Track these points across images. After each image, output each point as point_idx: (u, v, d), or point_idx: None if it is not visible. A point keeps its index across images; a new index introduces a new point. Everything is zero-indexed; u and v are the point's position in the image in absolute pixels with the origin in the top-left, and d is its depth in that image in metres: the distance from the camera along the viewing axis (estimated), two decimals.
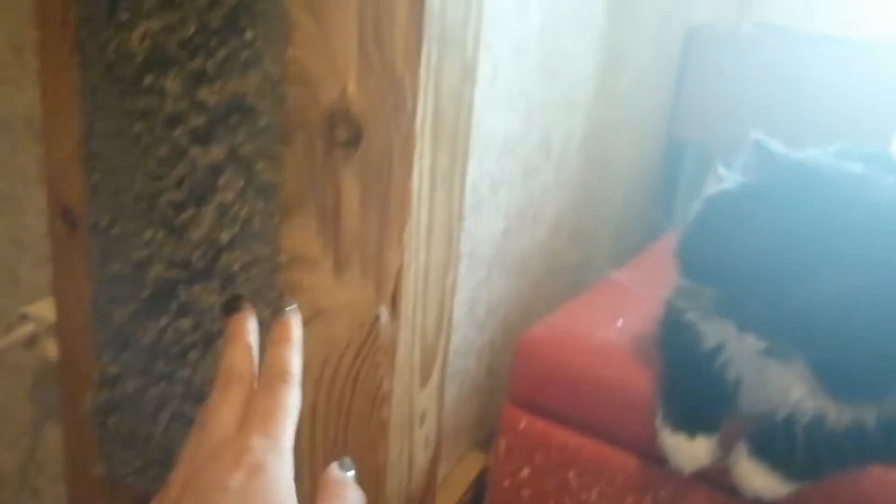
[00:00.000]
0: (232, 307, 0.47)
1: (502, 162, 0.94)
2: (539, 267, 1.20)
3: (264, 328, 0.48)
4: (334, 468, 0.42)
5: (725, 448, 0.78)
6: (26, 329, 0.95)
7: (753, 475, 0.75)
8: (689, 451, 0.78)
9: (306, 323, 0.64)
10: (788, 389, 0.71)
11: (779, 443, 0.74)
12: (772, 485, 0.74)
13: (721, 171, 0.75)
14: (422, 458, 0.77)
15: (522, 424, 0.94)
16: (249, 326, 0.47)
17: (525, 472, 0.95)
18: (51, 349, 0.90)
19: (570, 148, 1.19)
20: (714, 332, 0.76)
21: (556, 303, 1.17)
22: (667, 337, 0.85)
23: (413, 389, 0.69)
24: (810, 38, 1.65)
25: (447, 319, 0.74)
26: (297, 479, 0.39)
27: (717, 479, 0.79)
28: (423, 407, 0.73)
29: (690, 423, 0.78)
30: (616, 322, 0.96)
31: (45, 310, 0.89)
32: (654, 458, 0.83)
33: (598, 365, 0.89)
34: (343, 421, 0.66)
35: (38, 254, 0.95)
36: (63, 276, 0.72)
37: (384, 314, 0.62)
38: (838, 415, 0.72)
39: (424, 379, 0.72)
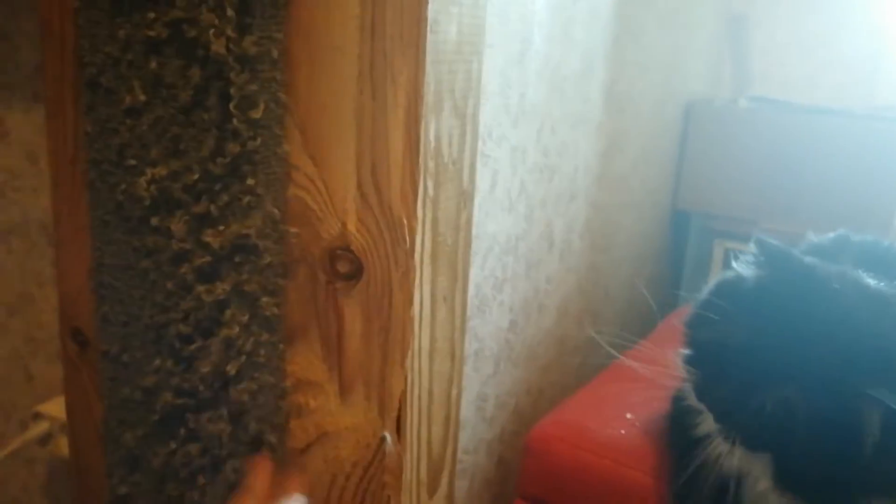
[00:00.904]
0: None
1: (504, 261, 0.96)
2: (547, 353, 1.21)
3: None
4: None
5: None
6: (41, 427, 0.98)
7: None
8: None
9: (312, 444, 0.66)
10: (765, 490, 0.72)
11: None
12: None
13: (734, 263, 0.77)
14: None
15: None
16: None
17: None
18: (64, 447, 0.92)
19: (572, 236, 1.22)
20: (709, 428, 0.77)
21: (566, 386, 1.18)
22: (669, 428, 0.86)
23: (421, 502, 0.71)
24: (807, 110, 1.68)
25: (453, 429, 0.76)
26: None
27: None
28: None
29: None
30: (625, 415, 0.97)
31: (58, 408, 0.92)
32: None
33: (608, 463, 0.90)
34: None
35: (51, 351, 0.98)
36: (75, 394, 0.75)
37: (389, 436, 0.64)
38: None
39: (432, 490, 0.73)
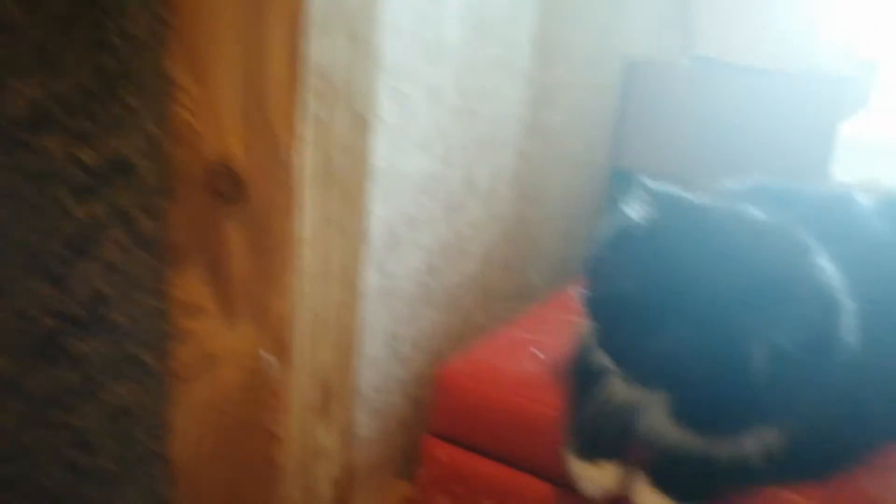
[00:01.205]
0: None
1: (419, 200, 0.97)
2: (470, 299, 1.23)
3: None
4: None
5: (631, 474, 0.80)
6: None
7: (650, 502, 0.77)
8: (595, 478, 0.81)
9: (197, 368, 0.67)
10: (662, 422, 0.74)
11: (669, 472, 0.77)
12: None
13: (623, 206, 0.78)
14: (326, 494, 0.79)
15: (441, 455, 0.96)
16: None
17: (444, 502, 0.97)
18: None
19: (499, 184, 1.23)
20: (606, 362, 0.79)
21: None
22: (573, 366, 0.88)
23: (311, 429, 0.72)
24: (748, 70, 1.70)
25: (350, 359, 0.77)
26: None
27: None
28: (324, 445, 0.75)
29: (595, 450, 0.81)
30: (535, 353, 0.99)
31: None
32: (567, 485, 0.85)
33: (513, 396, 0.91)
34: (236, 464, 0.68)
35: None
36: None
37: (273, 358, 0.64)
38: (706, 447, 0.75)
39: (324, 418, 0.74)
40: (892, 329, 0.84)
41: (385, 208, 0.89)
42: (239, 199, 0.60)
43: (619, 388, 0.77)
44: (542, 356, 0.98)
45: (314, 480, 0.75)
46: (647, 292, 0.69)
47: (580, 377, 0.86)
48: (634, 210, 0.76)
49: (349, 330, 0.75)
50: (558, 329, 1.00)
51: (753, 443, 0.73)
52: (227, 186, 0.60)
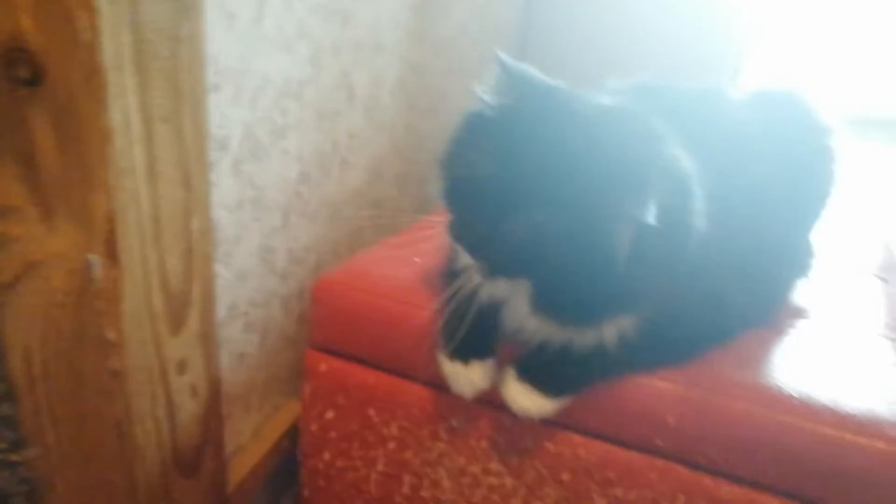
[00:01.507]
0: None
1: (284, 104, 0.92)
2: (358, 212, 1.20)
3: None
4: None
5: (501, 370, 0.80)
6: None
7: (519, 396, 0.78)
8: (466, 377, 0.80)
9: (21, 276, 0.62)
10: (524, 315, 0.73)
11: (536, 364, 0.77)
12: (537, 403, 0.77)
13: (476, 89, 0.75)
14: (189, 407, 0.76)
15: (323, 367, 0.94)
16: None
17: (330, 414, 0.96)
18: None
19: (380, 91, 1.18)
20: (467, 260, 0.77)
21: None
22: (444, 267, 0.87)
23: (159, 338, 0.68)
24: None
25: (202, 265, 0.73)
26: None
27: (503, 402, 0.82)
28: (179, 355, 0.72)
29: (464, 350, 0.80)
30: (413, 260, 0.97)
31: None
32: (444, 388, 0.85)
33: (388, 303, 0.90)
34: (74, 375, 0.64)
35: None
36: None
37: (98, 261, 0.60)
38: (567, 337, 0.75)
39: (176, 326, 0.71)
40: (748, 217, 0.85)
41: (243, 112, 0.84)
42: (39, 83, 0.55)
43: (476, 281, 0.75)
44: (422, 263, 0.96)
45: (172, 392, 0.72)
46: (501, 175, 0.67)
47: (449, 278, 0.85)
48: (490, 92, 0.74)
49: (200, 237, 0.71)
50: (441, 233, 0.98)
51: (614, 330, 0.74)
52: (24, 70, 0.54)
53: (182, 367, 0.73)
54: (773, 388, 0.76)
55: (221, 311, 0.89)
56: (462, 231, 0.69)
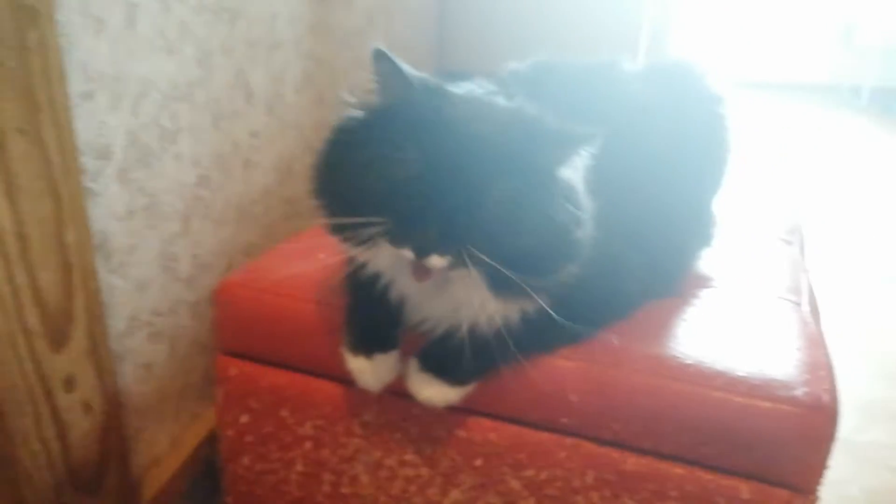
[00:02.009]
0: None
1: (174, 109, 0.90)
2: (269, 213, 1.18)
3: None
4: None
5: (405, 363, 0.80)
6: None
7: (423, 386, 0.78)
8: (370, 371, 0.80)
9: None
10: (447, 300, 0.73)
11: (438, 354, 0.77)
12: (441, 392, 0.77)
13: (346, 96, 0.74)
14: (83, 424, 0.75)
15: (234, 371, 0.93)
16: None
17: (245, 419, 0.94)
18: None
19: (283, 89, 1.17)
20: (371, 256, 0.76)
21: None
22: (346, 265, 0.86)
23: (38, 356, 0.67)
24: None
25: (83, 278, 0.72)
26: None
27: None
28: (65, 372, 0.71)
29: (367, 344, 0.79)
30: (318, 256, 0.96)
31: None
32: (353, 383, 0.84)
33: (292, 302, 0.89)
34: None
35: None
36: None
37: None
38: (489, 319, 0.75)
39: (57, 343, 0.69)
40: (646, 189, 0.86)
41: (125, 118, 0.82)
42: None
43: (401, 277, 0.75)
44: (325, 257, 0.95)
45: (60, 410, 0.71)
46: (421, 174, 0.65)
47: (351, 275, 0.84)
48: (370, 91, 0.73)
49: (76, 249, 0.69)
50: None
51: (516, 312, 0.74)
52: None
53: (70, 384, 0.71)
54: (670, 359, 0.77)
55: (120, 323, 0.87)
56: (401, 233, 0.66)
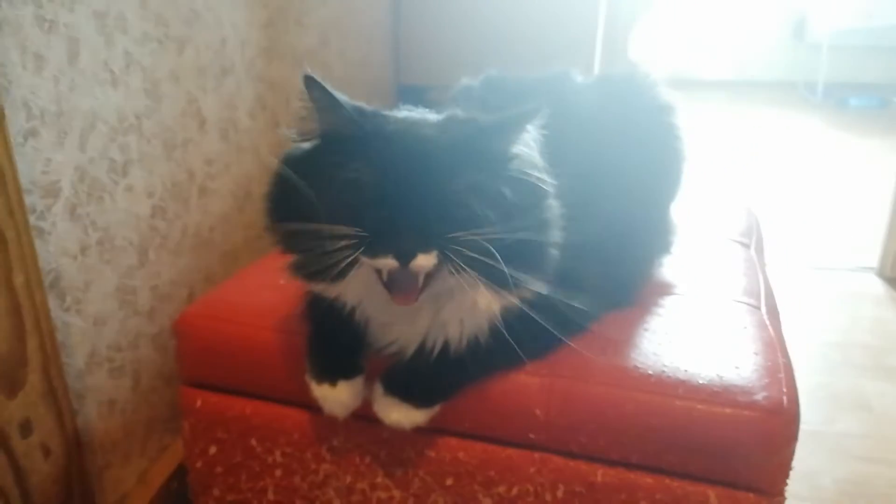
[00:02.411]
0: None
1: (124, 141, 0.89)
2: (229, 239, 1.17)
3: None
4: None
5: (369, 387, 0.80)
6: None
7: (389, 410, 0.77)
8: (335, 398, 0.79)
9: None
10: (415, 318, 0.73)
11: (405, 376, 0.77)
12: (407, 415, 0.77)
13: (285, 131, 0.74)
14: (43, 468, 0.73)
15: (199, 403, 0.92)
16: None
17: (213, 450, 0.93)
18: None
19: (237, 114, 1.16)
20: (341, 290, 0.76)
21: None
22: (306, 293, 0.85)
23: None
24: None
25: (36, 320, 0.70)
26: None
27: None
28: (20, 417, 0.69)
29: (331, 371, 0.79)
30: (279, 281, 0.95)
31: None
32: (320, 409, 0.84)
33: (252, 331, 0.88)
34: None
35: None
36: None
37: None
38: (459, 337, 0.75)
39: (10, 388, 0.67)
40: (602, 201, 0.87)
41: (72, 154, 0.81)
42: None
43: (368, 300, 0.75)
44: (286, 284, 0.94)
45: (17, 457, 0.69)
46: (384, 194, 0.66)
47: (312, 302, 0.84)
48: (306, 118, 0.72)
49: (25, 291, 0.68)
50: None
51: (506, 308, 0.73)
52: None
53: (26, 428, 0.69)
54: (633, 370, 0.78)
55: (79, 361, 0.85)
56: (380, 243, 0.65)
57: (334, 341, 0.80)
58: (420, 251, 0.64)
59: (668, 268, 1.00)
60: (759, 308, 0.92)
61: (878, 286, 2.16)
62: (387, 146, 0.68)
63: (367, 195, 0.66)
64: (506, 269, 0.66)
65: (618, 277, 0.89)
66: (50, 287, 0.78)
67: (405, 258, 0.64)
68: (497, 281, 0.68)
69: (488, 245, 0.66)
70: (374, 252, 0.65)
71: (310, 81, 0.68)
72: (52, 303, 0.78)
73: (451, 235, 0.65)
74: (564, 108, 0.93)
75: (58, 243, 0.79)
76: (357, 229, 0.65)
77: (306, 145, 0.72)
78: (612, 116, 0.95)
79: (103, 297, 0.88)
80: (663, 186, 0.99)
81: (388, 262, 0.65)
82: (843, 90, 4.54)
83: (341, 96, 0.69)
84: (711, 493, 0.75)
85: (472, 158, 0.68)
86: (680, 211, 1.02)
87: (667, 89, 0.99)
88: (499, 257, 0.66)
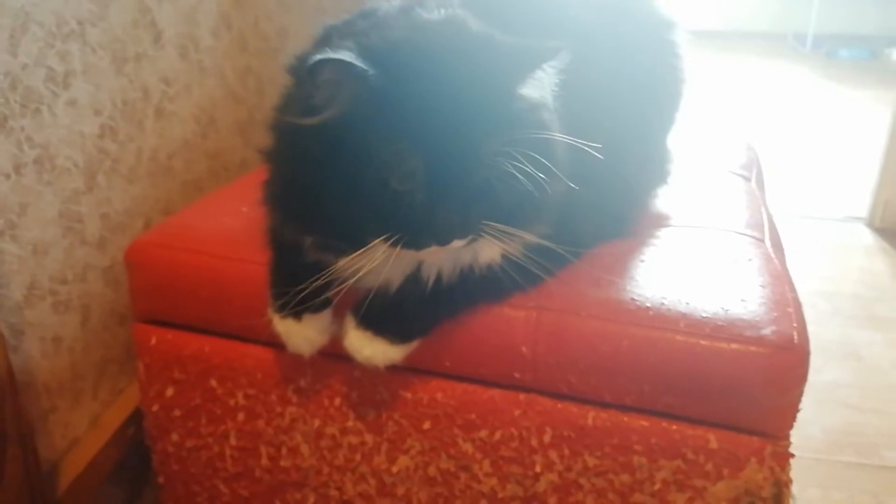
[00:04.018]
0: None
1: (64, 48, 0.79)
2: (192, 168, 1.08)
3: None
4: None
5: (340, 322, 0.72)
6: None
7: (362, 345, 0.70)
8: (301, 334, 0.72)
9: None
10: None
11: (380, 308, 0.69)
12: (382, 351, 0.70)
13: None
14: None
15: (154, 341, 0.84)
16: None
17: (170, 392, 0.86)
18: None
19: (198, 31, 1.06)
20: (366, 261, 0.67)
21: None
22: (269, 225, 0.77)
23: None
24: None
25: None
26: None
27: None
28: None
29: (295, 304, 0.71)
30: (241, 209, 0.87)
31: None
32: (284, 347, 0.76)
33: (212, 260, 0.80)
34: None
35: None
36: None
37: None
38: (451, 272, 0.68)
39: None
40: (596, 124, 0.79)
41: (4, 60, 0.71)
42: None
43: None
44: (248, 210, 0.86)
45: None
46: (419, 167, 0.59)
47: (275, 229, 0.76)
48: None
49: None
50: None
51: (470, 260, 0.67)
52: None
53: None
54: (628, 302, 0.71)
55: (16, 293, 0.77)
56: (420, 237, 0.61)
57: (296, 272, 0.72)
58: (459, 238, 0.61)
59: (665, 199, 0.93)
60: (762, 241, 0.85)
61: (868, 236, 2.12)
62: (424, 112, 0.59)
63: (408, 186, 0.60)
64: (515, 229, 0.64)
65: (612, 207, 0.82)
66: None
67: (444, 244, 0.61)
68: (503, 234, 0.64)
69: (510, 205, 0.63)
70: (416, 246, 0.61)
71: (323, 63, 0.57)
72: None
73: (487, 218, 0.63)
74: (554, 22, 0.84)
75: None
76: (393, 227, 0.61)
77: (325, 124, 0.61)
78: (606, 33, 0.86)
79: (43, 223, 0.79)
80: (661, 110, 0.91)
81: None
82: (833, 41, 4.46)
83: (362, 64, 0.57)
84: (712, 436, 0.68)
85: (497, 110, 0.61)
86: (677, 141, 0.95)
87: (665, 4, 0.91)
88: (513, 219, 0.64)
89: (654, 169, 0.92)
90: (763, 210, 0.94)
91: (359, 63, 0.57)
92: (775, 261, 0.79)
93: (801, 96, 3.69)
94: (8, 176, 0.73)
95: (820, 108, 3.49)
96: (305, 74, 0.59)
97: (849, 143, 2.93)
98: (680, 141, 0.95)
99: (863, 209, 2.20)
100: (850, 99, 3.62)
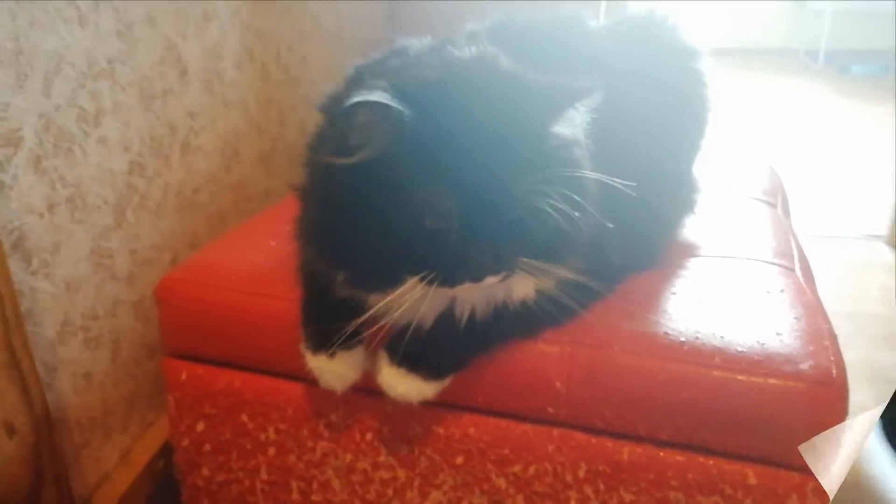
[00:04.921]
0: None
1: (94, 88, 0.80)
2: (215, 202, 1.09)
3: None
4: None
5: (373, 358, 0.72)
6: None
7: (395, 382, 0.70)
8: (333, 370, 0.72)
9: None
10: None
11: (413, 345, 0.69)
12: (415, 387, 0.70)
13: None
14: (7, 448, 0.65)
15: (184, 376, 0.84)
16: None
17: (200, 426, 0.86)
18: None
19: (223, 64, 1.07)
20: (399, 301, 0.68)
21: None
22: (301, 261, 0.78)
23: None
24: None
25: None
26: None
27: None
28: None
29: (328, 341, 0.71)
30: (269, 243, 0.88)
31: None
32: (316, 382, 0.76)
33: (241, 297, 0.80)
34: None
35: None
36: None
37: None
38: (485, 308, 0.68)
39: None
40: (623, 156, 0.78)
41: (35, 99, 0.72)
42: None
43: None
44: (277, 245, 0.86)
45: None
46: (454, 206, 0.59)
47: (305, 265, 0.76)
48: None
49: None
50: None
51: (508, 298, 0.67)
52: None
53: None
54: (662, 336, 0.71)
55: (50, 331, 0.77)
56: (456, 275, 0.61)
57: (330, 308, 0.72)
58: (492, 275, 0.61)
59: (692, 228, 0.93)
60: (793, 270, 0.84)
61: (888, 254, 2.10)
62: (460, 154, 0.59)
63: (441, 238, 0.60)
64: (548, 264, 0.65)
65: (642, 239, 0.82)
66: (13, 248, 0.70)
67: (478, 281, 0.61)
68: (537, 270, 0.65)
69: (545, 241, 0.63)
70: (450, 283, 0.61)
71: (361, 106, 0.57)
72: (16, 265, 0.70)
73: (519, 259, 0.63)
74: (579, 53, 0.85)
75: (21, 199, 0.71)
76: (429, 265, 0.61)
77: (364, 165, 0.61)
78: (631, 63, 0.86)
79: (76, 260, 0.80)
80: (688, 139, 0.91)
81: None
82: (845, 57, 4.45)
83: (399, 107, 0.58)
84: (751, 471, 0.68)
85: (530, 148, 0.61)
86: (700, 168, 0.94)
87: (689, 32, 0.91)
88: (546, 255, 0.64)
89: (682, 198, 0.91)
90: (791, 238, 0.94)
91: (395, 105, 0.57)
92: (808, 291, 0.79)
93: (815, 112, 3.68)
94: (42, 216, 0.74)
95: (834, 124, 3.47)
96: (341, 115, 0.59)
97: (865, 160, 2.91)
98: (703, 166, 0.95)
99: (882, 227, 2.18)
100: (864, 115, 3.60)
